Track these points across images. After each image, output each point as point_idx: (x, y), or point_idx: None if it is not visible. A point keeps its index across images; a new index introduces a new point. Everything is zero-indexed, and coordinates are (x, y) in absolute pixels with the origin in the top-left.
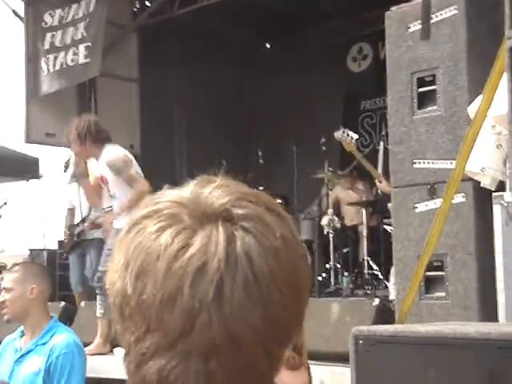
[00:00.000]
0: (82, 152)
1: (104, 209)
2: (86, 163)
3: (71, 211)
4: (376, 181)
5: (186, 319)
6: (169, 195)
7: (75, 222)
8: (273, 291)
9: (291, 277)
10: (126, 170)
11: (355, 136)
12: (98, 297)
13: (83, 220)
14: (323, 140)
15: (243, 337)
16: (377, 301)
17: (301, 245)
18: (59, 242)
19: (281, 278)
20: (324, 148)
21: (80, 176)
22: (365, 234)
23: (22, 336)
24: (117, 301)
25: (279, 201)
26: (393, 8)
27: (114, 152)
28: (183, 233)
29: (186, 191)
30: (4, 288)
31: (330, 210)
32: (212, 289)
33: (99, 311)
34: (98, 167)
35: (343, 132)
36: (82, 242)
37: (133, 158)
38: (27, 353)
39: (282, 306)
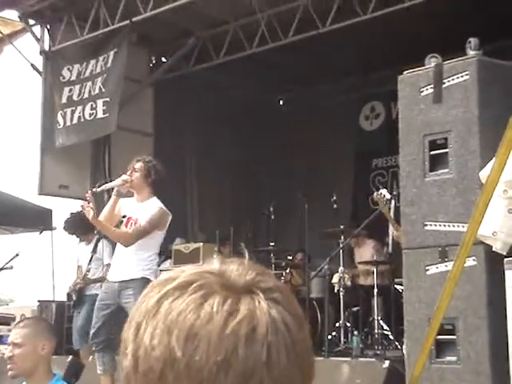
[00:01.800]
0: (137, 183)
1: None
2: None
3: (80, 268)
4: (393, 230)
5: (240, 381)
6: (195, 269)
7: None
8: (304, 356)
9: (308, 339)
10: (159, 225)
11: (388, 196)
12: (96, 354)
13: (83, 277)
14: (334, 198)
15: None
16: (387, 363)
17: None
18: (68, 294)
19: (307, 344)
20: (335, 206)
21: (116, 193)
22: (375, 293)
23: None
24: (156, 367)
25: (301, 255)
26: (405, 72)
27: (163, 208)
28: (229, 299)
29: (213, 265)
30: (13, 343)
31: (341, 268)
32: (264, 351)
33: (99, 368)
34: (136, 209)
35: (380, 193)
36: (82, 297)
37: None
38: None
39: (310, 371)
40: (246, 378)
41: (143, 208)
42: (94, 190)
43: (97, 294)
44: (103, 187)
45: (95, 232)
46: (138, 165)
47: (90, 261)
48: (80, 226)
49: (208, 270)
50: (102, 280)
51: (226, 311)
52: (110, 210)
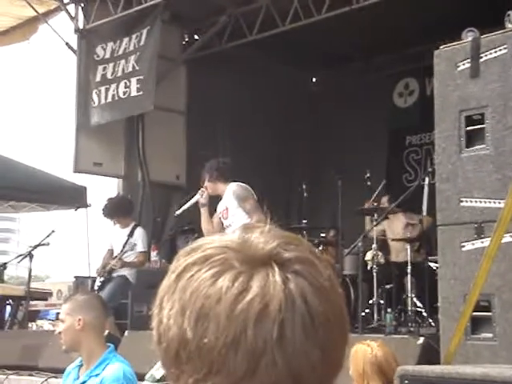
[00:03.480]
0: (210, 187)
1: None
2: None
3: (109, 252)
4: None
5: (250, 360)
6: (216, 241)
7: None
8: (327, 331)
9: (339, 317)
10: (249, 197)
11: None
12: None
13: (120, 257)
14: (368, 175)
15: (304, 376)
16: (421, 339)
17: (340, 287)
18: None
19: (332, 319)
20: (369, 183)
21: (201, 205)
22: (409, 271)
23: (80, 366)
24: (172, 346)
25: (333, 232)
26: (442, 46)
27: (238, 184)
28: (241, 277)
29: (234, 236)
30: (60, 319)
31: (374, 245)
32: (275, 329)
33: None
34: (221, 202)
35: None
36: (110, 278)
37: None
38: (82, 383)
39: (334, 346)
40: (257, 356)
41: (226, 197)
42: (176, 214)
43: (124, 275)
44: (184, 208)
45: (132, 218)
46: (204, 176)
47: (125, 244)
48: (118, 211)
49: (228, 243)
50: (133, 265)
51: (236, 289)
52: (207, 220)
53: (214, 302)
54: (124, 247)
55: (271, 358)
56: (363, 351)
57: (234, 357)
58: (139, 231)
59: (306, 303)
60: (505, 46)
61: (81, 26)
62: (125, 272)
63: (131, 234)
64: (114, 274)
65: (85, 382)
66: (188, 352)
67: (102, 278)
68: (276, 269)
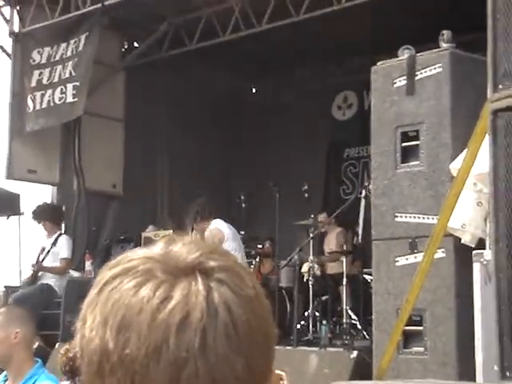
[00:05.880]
0: (198, 228)
1: None
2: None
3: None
4: None
5: (172, 370)
6: (140, 253)
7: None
8: (251, 340)
9: (264, 326)
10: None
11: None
12: None
13: (37, 261)
14: (306, 187)
15: None
16: (355, 353)
17: (265, 298)
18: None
19: (256, 327)
20: (306, 195)
21: None
22: (344, 283)
23: (5, 380)
24: (94, 358)
25: (268, 243)
26: (379, 63)
27: (211, 227)
28: (162, 286)
29: (157, 248)
30: None
31: (311, 258)
32: (197, 338)
33: None
34: None
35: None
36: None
37: (228, 236)
38: None
39: (259, 355)
40: (179, 366)
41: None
42: None
43: (48, 284)
44: None
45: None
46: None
47: (48, 252)
48: (47, 215)
49: (152, 254)
50: (54, 271)
51: (158, 299)
52: None
53: (135, 312)
54: (47, 254)
55: (194, 367)
56: None
57: (156, 367)
58: (63, 239)
59: (229, 312)
60: (439, 65)
61: (16, 29)
62: (49, 280)
63: (55, 243)
64: (39, 282)
65: None
66: (111, 364)
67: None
68: (199, 278)
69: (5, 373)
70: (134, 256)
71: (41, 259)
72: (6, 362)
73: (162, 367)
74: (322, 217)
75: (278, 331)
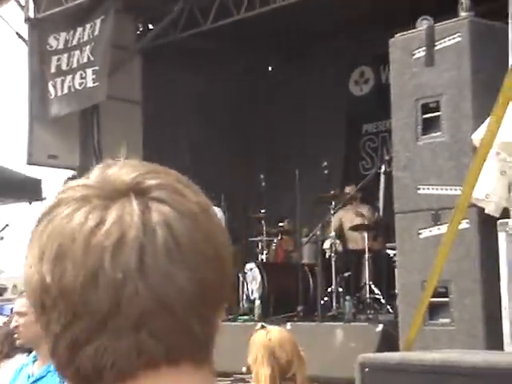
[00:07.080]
0: None
1: None
2: None
3: None
4: None
5: (111, 294)
6: (76, 182)
7: None
8: (196, 253)
9: (213, 240)
10: None
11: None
12: None
13: None
14: (325, 163)
15: (172, 301)
16: (380, 326)
17: (223, 228)
18: None
19: (202, 241)
20: (326, 171)
21: None
22: (367, 258)
23: (34, 361)
24: (37, 295)
25: (282, 223)
26: (397, 35)
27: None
28: (96, 210)
29: (93, 175)
30: (17, 312)
31: (332, 234)
32: (133, 258)
33: None
34: None
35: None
36: None
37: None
38: (39, 379)
39: (208, 269)
40: (118, 288)
41: None
42: None
43: None
44: None
45: None
46: None
47: None
48: None
49: (87, 181)
50: None
51: (91, 224)
52: None
53: (69, 239)
54: None
55: (133, 288)
56: (260, 336)
57: (94, 294)
58: None
59: (168, 227)
60: (459, 34)
61: (31, 15)
62: None
63: None
64: None
65: (42, 377)
66: (51, 298)
67: None
68: (133, 198)
69: (33, 353)
70: (70, 185)
71: None
72: (37, 342)
73: (100, 293)
74: (349, 188)
75: (235, 251)
